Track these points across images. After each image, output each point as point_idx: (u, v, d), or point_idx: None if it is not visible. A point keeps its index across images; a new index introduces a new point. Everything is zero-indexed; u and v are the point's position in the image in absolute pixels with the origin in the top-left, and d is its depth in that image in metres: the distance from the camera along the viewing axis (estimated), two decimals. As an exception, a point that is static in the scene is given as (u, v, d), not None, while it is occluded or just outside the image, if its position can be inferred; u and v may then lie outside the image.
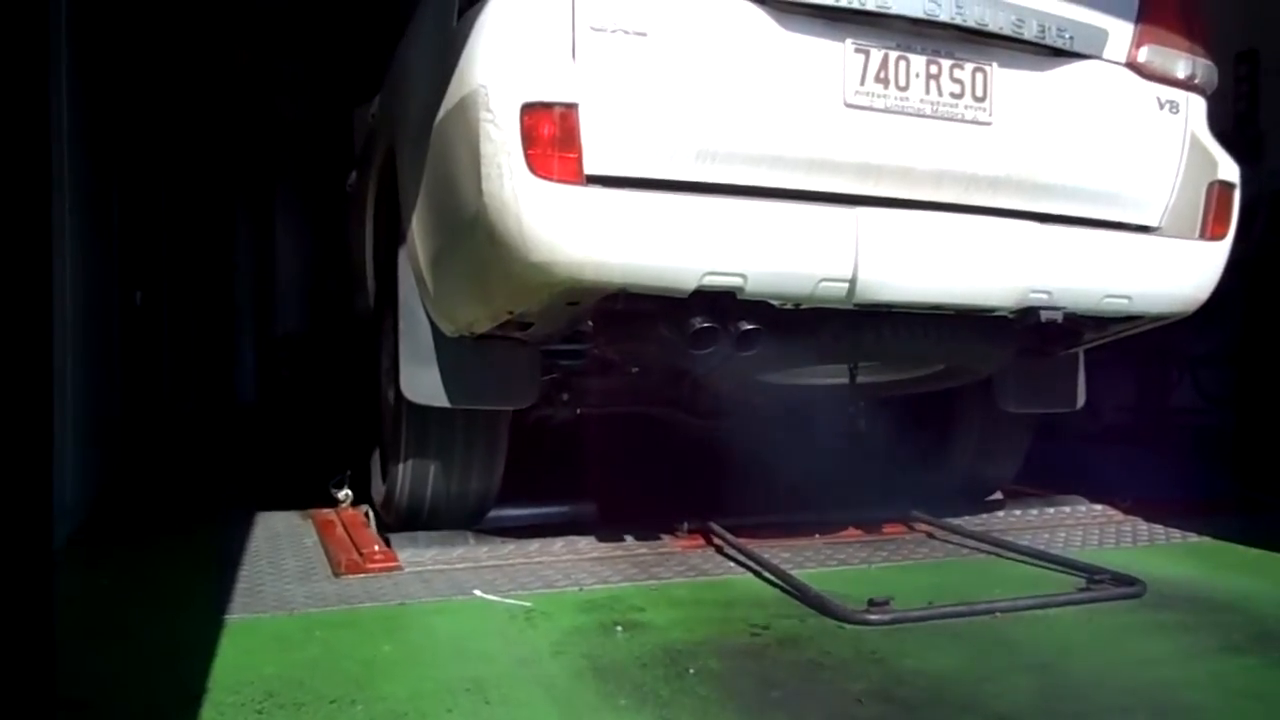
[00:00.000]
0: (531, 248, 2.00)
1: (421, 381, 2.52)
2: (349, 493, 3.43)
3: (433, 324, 2.55)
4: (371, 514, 3.19)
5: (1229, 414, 5.40)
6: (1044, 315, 2.40)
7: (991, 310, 2.39)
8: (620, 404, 3.18)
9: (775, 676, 1.86)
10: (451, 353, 2.52)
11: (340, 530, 3.05)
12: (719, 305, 2.15)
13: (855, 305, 2.23)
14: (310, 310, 7.77)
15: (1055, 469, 3.98)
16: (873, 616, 2.18)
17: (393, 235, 2.92)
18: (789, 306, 2.26)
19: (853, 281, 2.17)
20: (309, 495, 3.47)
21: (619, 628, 2.12)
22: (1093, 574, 2.49)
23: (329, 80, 7.62)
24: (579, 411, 3.11)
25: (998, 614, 2.25)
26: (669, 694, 1.76)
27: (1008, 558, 2.79)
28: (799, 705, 1.73)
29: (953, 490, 3.49)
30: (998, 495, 3.60)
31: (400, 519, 2.85)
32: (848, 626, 2.15)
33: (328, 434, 5.38)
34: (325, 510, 3.32)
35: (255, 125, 7.90)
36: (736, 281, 2.10)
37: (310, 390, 7.58)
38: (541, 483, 3.28)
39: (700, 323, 2.16)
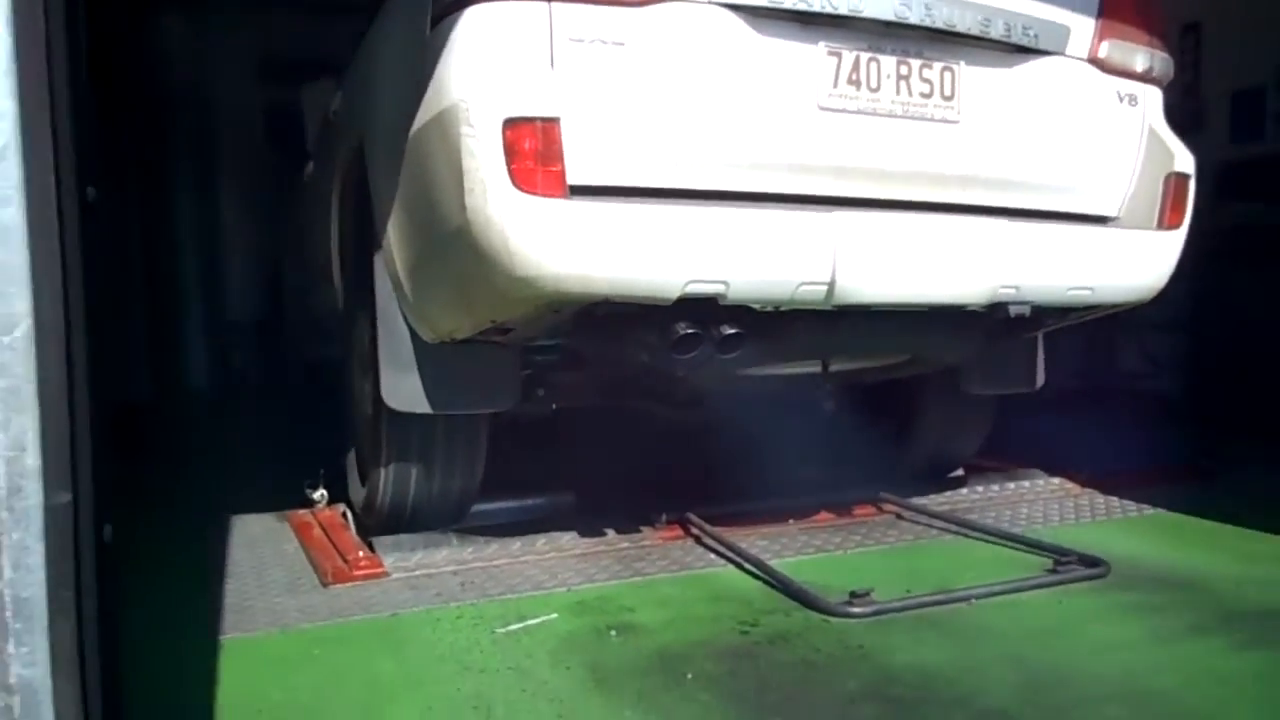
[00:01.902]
0: (517, 262, 2.00)
1: (403, 389, 2.52)
2: (324, 493, 3.42)
3: (412, 330, 2.54)
4: (350, 515, 3.19)
5: (1176, 379, 5.62)
6: (1013, 310, 2.46)
7: (964, 306, 2.45)
8: (594, 397, 3.21)
9: (770, 678, 1.93)
10: (432, 359, 2.52)
11: (319, 533, 3.04)
12: (702, 311, 2.18)
13: (834, 306, 2.27)
14: (265, 296, 7.60)
15: (1009, 439, 4.09)
16: (856, 609, 2.25)
17: (362, 237, 2.90)
18: (769, 309, 2.30)
19: (831, 284, 2.21)
20: (281, 494, 3.44)
21: (613, 632, 2.17)
22: (1059, 555, 2.59)
23: (271, 55, 7.42)
24: (554, 406, 3.13)
25: (973, 600, 2.34)
26: (671, 701, 1.81)
27: (975, 538, 2.89)
28: (798, 708, 1.80)
29: (918, 467, 3.60)
30: (959, 472, 3.71)
31: (383, 522, 2.86)
32: (833, 620, 2.23)
33: (286, 426, 5.33)
34: (301, 511, 3.31)
35: (195, 99, 7.66)
36: (719, 288, 2.12)
37: (264, 379, 7.45)
38: (518, 475, 3.30)
39: (684, 329, 2.19)
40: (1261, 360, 4.85)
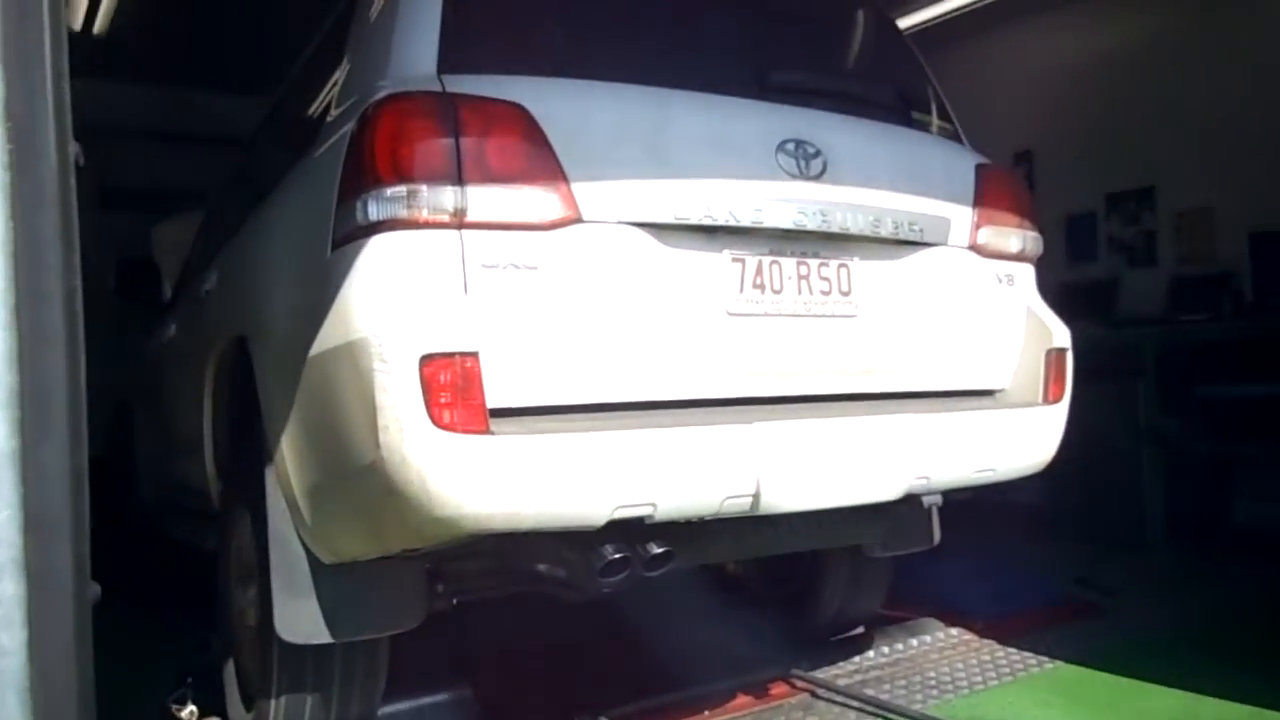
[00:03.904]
0: (436, 503, 1.88)
1: (300, 619, 2.31)
2: (194, 709, 3.09)
3: (308, 550, 2.35)
4: (227, 736, 2.89)
5: (1035, 492, 5.88)
6: (926, 501, 2.51)
7: (880, 502, 2.46)
8: (498, 587, 3.05)
9: None
10: (332, 583, 2.32)
11: (194, 766, 2.74)
12: (629, 532, 2.11)
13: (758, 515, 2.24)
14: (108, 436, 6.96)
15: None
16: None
17: (244, 437, 2.71)
18: (694, 521, 2.24)
19: (756, 495, 2.17)
20: (138, 702, 3.06)
21: None
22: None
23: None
24: (455, 602, 2.96)
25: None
26: None
27: (893, 722, 2.87)
28: None
29: (822, 629, 3.58)
30: (859, 630, 3.70)
31: (272, 756, 2.59)
32: None
33: (128, 599, 4.83)
34: (167, 732, 2.97)
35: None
36: (647, 510, 2.06)
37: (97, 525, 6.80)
38: (412, 667, 3.09)
39: (612, 553, 2.11)
40: (1104, 470, 5.16)
